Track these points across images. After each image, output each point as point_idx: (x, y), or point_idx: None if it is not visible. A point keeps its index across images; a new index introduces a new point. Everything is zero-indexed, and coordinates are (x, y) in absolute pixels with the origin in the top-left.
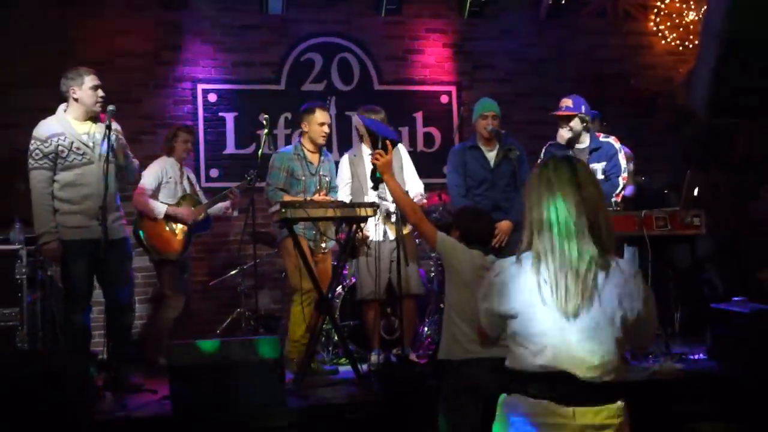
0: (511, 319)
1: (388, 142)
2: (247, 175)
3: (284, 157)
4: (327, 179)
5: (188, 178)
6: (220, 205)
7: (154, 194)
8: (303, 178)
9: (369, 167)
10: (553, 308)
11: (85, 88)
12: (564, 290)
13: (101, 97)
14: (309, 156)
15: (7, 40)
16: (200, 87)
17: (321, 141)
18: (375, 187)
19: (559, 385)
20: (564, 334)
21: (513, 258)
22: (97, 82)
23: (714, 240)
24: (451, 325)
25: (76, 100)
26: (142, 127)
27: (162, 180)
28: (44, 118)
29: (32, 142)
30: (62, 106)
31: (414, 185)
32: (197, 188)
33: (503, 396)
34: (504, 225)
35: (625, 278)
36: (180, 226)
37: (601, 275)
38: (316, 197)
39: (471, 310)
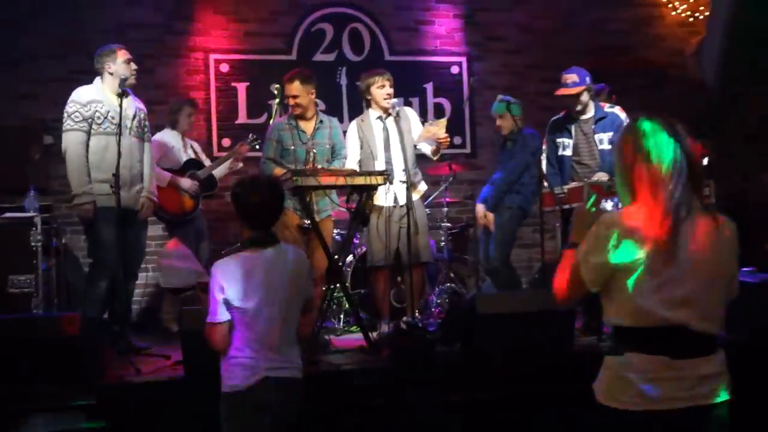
0: (626, 271)
1: None
2: (249, 138)
3: (276, 128)
4: (327, 147)
5: (191, 146)
6: (222, 167)
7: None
8: (292, 147)
9: (378, 132)
10: (659, 257)
11: (119, 62)
12: (675, 239)
13: (135, 69)
14: (302, 124)
15: (18, 13)
16: (212, 57)
17: (295, 111)
18: None
19: (674, 339)
20: (676, 285)
21: (619, 211)
22: (128, 56)
23: (723, 210)
24: None
25: (111, 74)
26: (155, 97)
27: (163, 151)
28: (61, 88)
29: (71, 104)
30: (98, 79)
31: (424, 147)
32: (202, 157)
33: (614, 357)
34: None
35: (729, 234)
36: (188, 186)
37: (703, 227)
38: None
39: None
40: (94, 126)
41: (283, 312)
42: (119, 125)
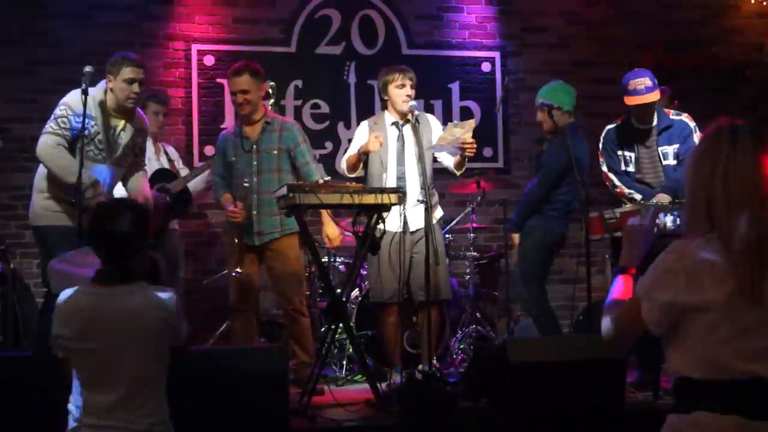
0: (699, 313)
1: None
2: None
3: (221, 138)
4: (275, 153)
5: (166, 153)
6: (199, 180)
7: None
8: (234, 158)
9: (391, 140)
10: (741, 298)
11: (119, 80)
12: (752, 274)
13: (135, 93)
14: (247, 130)
15: None
16: (195, 48)
17: (244, 110)
18: None
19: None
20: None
21: (692, 239)
22: (135, 75)
23: None
24: None
25: (111, 90)
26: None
27: None
28: (15, 82)
29: (62, 107)
30: (101, 85)
31: (445, 158)
32: (178, 165)
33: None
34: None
35: None
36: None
37: None
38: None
39: None
40: (76, 142)
41: (123, 366)
42: (70, 129)
